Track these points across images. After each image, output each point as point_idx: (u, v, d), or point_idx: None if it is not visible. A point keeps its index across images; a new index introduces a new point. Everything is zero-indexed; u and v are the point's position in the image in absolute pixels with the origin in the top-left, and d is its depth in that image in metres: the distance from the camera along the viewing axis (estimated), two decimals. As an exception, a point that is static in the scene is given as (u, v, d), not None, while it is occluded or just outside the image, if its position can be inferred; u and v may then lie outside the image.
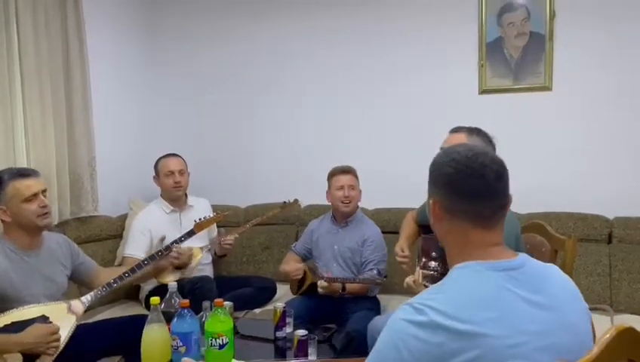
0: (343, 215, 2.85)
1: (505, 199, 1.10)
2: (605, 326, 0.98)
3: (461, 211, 1.08)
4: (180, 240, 2.65)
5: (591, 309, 1.13)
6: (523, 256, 1.09)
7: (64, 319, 2.04)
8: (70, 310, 2.09)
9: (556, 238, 1.99)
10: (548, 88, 3.03)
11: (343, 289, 2.64)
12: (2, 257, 2.03)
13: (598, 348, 0.92)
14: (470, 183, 1.07)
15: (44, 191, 2.10)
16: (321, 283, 2.62)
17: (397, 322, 0.99)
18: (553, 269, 1.13)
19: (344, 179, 2.80)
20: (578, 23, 2.95)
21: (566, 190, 2.97)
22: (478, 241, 1.07)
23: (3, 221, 2.08)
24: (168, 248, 2.56)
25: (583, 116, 3.01)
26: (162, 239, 2.70)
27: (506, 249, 1.10)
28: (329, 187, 2.87)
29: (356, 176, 2.85)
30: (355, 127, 3.42)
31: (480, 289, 1.00)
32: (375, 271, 2.67)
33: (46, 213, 2.08)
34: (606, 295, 2.72)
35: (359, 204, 2.91)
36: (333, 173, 2.85)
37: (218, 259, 3.17)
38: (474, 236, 1.07)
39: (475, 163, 1.07)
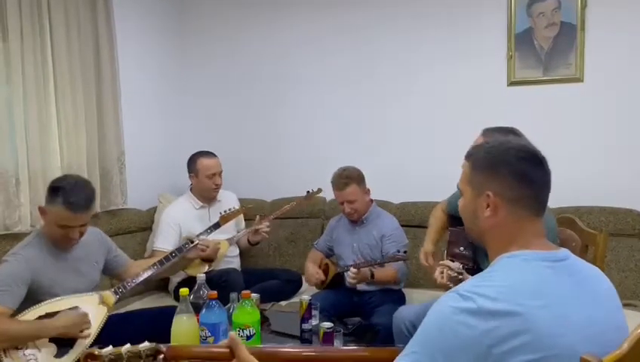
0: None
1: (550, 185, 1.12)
2: (637, 322, 0.97)
3: (527, 198, 1.08)
4: (207, 232, 2.69)
5: (623, 305, 1.12)
6: (565, 250, 1.10)
7: (96, 310, 2.09)
8: (102, 301, 2.14)
9: (587, 233, 1.96)
10: (579, 80, 2.96)
11: (372, 276, 2.60)
12: (39, 251, 2.09)
13: (628, 343, 0.91)
14: (533, 169, 1.09)
15: (82, 225, 2.09)
16: (351, 271, 2.57)
17: (443, 308, 0.99)
18: (591, 265, 1.14)
19: (342, 196, 2.71)
20: (610, 13, 2.87)
21: (597, 183, 2.90)
22: (531, 231, 1.08)
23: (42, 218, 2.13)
24: (194, 241, 2.56)
25: (616, 107, 2.93)
26: (190, 240, 2.66)
27: (548, 241, 1.11)
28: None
29: (357, 183, 2.71)
30: (381, 120, 3.40)
31: (529, 277, 1.00)
32: (400, 252, 2.60)
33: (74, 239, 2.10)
34: (638, 290, 2.66)
35: (375, 198, 2.86)
36: (333, 186, 2.76)
37: (251, 248, 3.15)
38: (529, 226, 1.08)
39: (531, 149, 1.11)
